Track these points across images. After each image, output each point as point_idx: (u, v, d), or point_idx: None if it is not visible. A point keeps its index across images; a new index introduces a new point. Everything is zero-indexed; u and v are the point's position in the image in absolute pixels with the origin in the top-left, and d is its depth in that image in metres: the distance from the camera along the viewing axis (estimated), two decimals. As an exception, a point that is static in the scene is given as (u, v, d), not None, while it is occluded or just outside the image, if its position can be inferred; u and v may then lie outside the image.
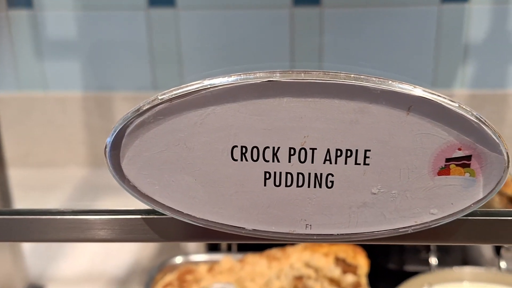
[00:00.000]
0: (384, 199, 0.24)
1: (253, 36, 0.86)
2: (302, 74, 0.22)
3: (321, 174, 0.24)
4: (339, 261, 0.62)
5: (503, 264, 0.63)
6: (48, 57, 0.91)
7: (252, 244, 0.65)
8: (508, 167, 0.23)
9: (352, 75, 0.22)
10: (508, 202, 0.75)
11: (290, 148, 0.24)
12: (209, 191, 0.24)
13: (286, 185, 0.24)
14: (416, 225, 0.24)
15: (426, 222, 0.24)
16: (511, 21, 0.85)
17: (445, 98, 0.22)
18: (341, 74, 0.22)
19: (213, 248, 0.68)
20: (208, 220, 0.25)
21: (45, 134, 0.96)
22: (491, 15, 0.84)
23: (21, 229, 0.25)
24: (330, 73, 0.22)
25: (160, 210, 0.25)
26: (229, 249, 0.66)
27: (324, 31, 0.85)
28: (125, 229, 0.25)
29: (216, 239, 0.25)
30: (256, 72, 0.22)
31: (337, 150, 0.23)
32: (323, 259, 0.62)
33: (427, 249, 0.65)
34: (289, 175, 0.24)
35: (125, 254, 0.74)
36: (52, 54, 0.91)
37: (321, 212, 0.24)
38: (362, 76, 0.22)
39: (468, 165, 0.23)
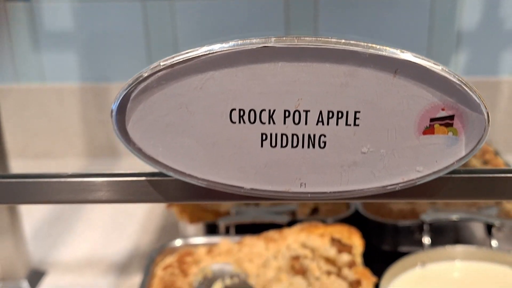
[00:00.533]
0: (373, 158, 0.26)
1: (249, 25, 0.87)
2: (296, 40, 0.23)
3: (314, 135, 0.25)
4: (335, 241, 0.63)
5: (494, 243, 0.65)
6: (45, 49, 0.92)
7: (250, 226, 0.67)
8: (488, 125, 0.25)
9: (342, 41, 0.23)
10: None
11: (285, 111, 0.25)
12: (209, 152, 0.26)
13: (281, 146, 0.26)
14: (403, 182, 0.26)
15: (412, 179, 0.26)
16: (503, 8, 0.86)
17: (429, 61, 0.24)
18: (332, 40, 0.23)
19: (211, 231, 0.69)
20: (209, 180, 0.26)
21: (42, 125, 0.97)
22: (484, 3, 0.86)
23: (32, 191, 0.26)
24: (322, 39, 0.24)
25: (164, 171, 0.26)
26: (227, 231, 0.68)
27: (318, 20, 0.87)
28: (131, 190, 0.27)
29: (217, 198, 0.27)
30: (252, 38, 0.24)
31: (329, 112, 0.25)
32: (319, 240, 0.63)
33: (420, 229, 0.66)
34: (284, 136, 0.26)
35: (125, 240, 0.75)
36: (49, 46, 0.92)
37: (315, 171, 0.26)
38: (351, 41, 0.24)
39: (451, 125, 0.25)
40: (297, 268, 0.60)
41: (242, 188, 0.26)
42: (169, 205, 0.72)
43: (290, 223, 0.66)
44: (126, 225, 0.79)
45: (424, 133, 0.25)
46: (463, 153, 0.26)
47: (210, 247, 0.64)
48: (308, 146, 0.26)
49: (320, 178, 0.26)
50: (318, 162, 0.26)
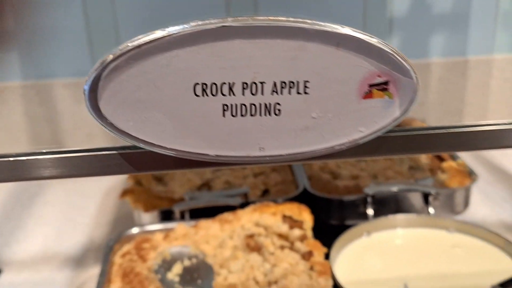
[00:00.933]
0: (322, 122, 0.29)
1: (190, 7, 0.88)
2: (250, 20, 0.27)
3: (270, 103, 0.29)
4: (286, 218, 0.66)
5: (431, 210, 0.70)
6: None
7: (204, 211, 0.69)
8: (417, 89, 0.29)
9: (291, 19, 0.27)
10: (434, 157, 0.82)
11: (243, 83, 0.28)
12: (176, 124, 0.28)
13: (241, 115, 0.29)
14: (348, 142, 0.30)
15: (356, 139, 0.30)
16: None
17: (366, 35, 0.28)
18: (282, 18, 0.27)
19: (167, 218, 0.71)
20: (177, 150, 0.29)
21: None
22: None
23: (11, 169, 0.28)
24: (273, 18, 0.27)
25: (135, 143, 0.29)
26: (182, 217, 0.69)
27: (258, 2, 0.89)
28: (105, 164, 0.29)
29: (185, 166, 0.29)
30: (212, 19, 0.26)
31: (282, 82, 0.28)
32: (271, 218, 0.66)
33: (364, 202, 0.71)
34: (243, 106, 0.29)
35: (79, 234, 0.75)
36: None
37: (272, 136, 0.29)
38: (299, 19, 0.27)
39: (387, 89, 0.29)
40: (252, 245, 0.62)
41: (207, 155, 0.29)
42: (122, 195, 0.73)
43: (243, 205, 0.69)
44: (79, 219, 0.79)
45: (364, 97, 0.29)
46: (397, 114, 0.30)
47: (167, 232, 0.65)
48: (265, 114, 0.29)
49: (276, 142, 0.29)
50: (275, 128, 0.29)
